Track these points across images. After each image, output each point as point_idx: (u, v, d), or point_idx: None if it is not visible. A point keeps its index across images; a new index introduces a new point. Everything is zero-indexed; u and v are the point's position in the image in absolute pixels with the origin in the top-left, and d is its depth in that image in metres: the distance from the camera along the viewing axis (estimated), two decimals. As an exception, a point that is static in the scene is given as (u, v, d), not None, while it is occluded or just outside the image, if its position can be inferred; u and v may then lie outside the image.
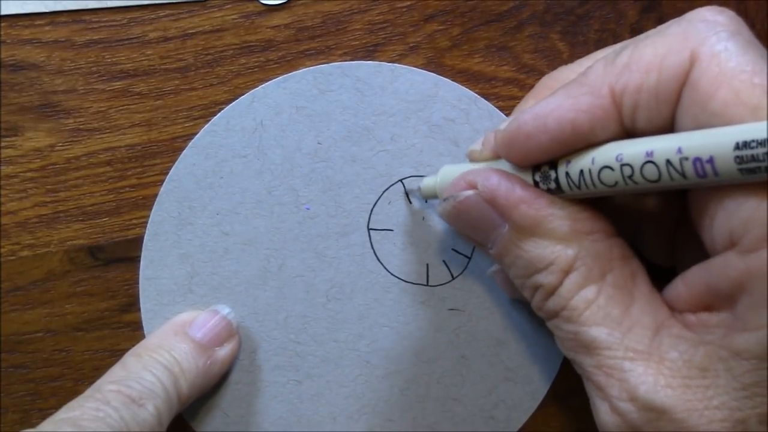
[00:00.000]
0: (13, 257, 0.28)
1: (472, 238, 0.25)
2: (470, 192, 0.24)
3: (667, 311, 0.22)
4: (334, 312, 0.28)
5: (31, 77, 0.28)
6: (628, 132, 0.21)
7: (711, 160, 0.19)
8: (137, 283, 0.28)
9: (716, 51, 0.20)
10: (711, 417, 0.20)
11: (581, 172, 0.22)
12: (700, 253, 0.22)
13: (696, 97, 0.20)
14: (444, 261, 0.29)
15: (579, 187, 0.22)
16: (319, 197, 0.28)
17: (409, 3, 0.29)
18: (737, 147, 0.18)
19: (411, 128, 0.28)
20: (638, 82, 0.21)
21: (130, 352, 0.26)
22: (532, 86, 0.29)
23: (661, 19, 0.29)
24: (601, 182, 0.21)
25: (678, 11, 0.29)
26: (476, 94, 0.29)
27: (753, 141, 0.18)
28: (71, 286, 0.28)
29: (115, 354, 0.28)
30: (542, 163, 0.23)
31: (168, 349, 0.26)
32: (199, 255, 0.28)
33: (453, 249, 0.29)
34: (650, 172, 0.20)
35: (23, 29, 0.28)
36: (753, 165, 0.18)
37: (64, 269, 0.28)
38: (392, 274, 0.28)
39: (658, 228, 0.25)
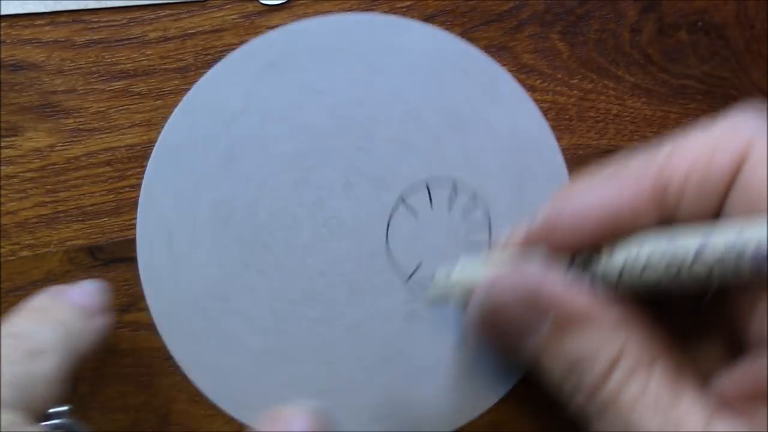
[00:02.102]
0: (12, 257, 0.28)
1: (503, 341, 0.24)
2: (512, 291, 0.23)
3: (715, 401, 0.21)
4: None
5: (31, 77, 0.28)
6: (670, 220, 0.21)
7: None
8: (137, 283, 0.28)
9: (766, 150, 0.20)
10: None
11: (624, 266, 0.21)
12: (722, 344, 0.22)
13: (746, 193, 0.20)
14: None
15: (619, 280, 0.21)
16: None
17: (408, 3, 0.29)
18: None
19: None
20: (685, 174, 0.21)
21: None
22: (532, 86, 0.29)
23: (660, 19, 0.29)
24: (644, 277, 0.21)
25: (678, 11, 0.29)
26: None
27: None
28: (71, 286, 0.28)
29: (115, 354, 0.28)
30: (578, 253, 0.22)
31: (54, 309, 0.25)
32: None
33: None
34: (700, 269, 0.20)
35: (23, 29, 0.28)
36: None
37: (63, 269, 0.28)
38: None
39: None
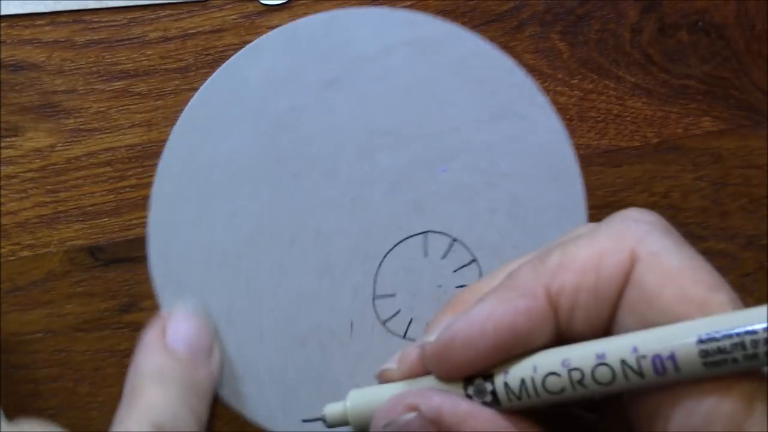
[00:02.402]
0: (13, 257, 0.28)
1: None
2: (412, 415, 0.22)
3: None
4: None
5: (31, 77, 0.28)
6: (563, 336, 0.21)
7: (672, 357, 0.19)
8: (138, 283, 0.28)
9: (655, 250, 0.20)
10: None
11: (522, 381, 0.21)
12: None
13: (640, 296, 0.19)
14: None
15: (519, 398, 0.21)
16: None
17: (409, 3, 0.29)
18: (701, 341, 0.18)
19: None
20: (575, 283, 0.20)
21: (136, 378, 0.25)
22: (532, 86, 0.29)
23: (661, 19, 0.29)
24: (546, 390, 0.20)
25: (678, 11, 0.29)
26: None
27: (717, 332, 0.18)
28: (71, 286, 0.28)
29: (115, 354, 0.28)
30: (473, 376, 0.22)
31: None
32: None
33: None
34: (603, 374, 0.19)
35: (23, 29, 0.28)
36: (719, 358, 0.18)
37: (64, 269, 0.28)
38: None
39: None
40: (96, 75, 0.28)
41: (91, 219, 0.28)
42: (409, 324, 0.28)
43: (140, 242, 0.28)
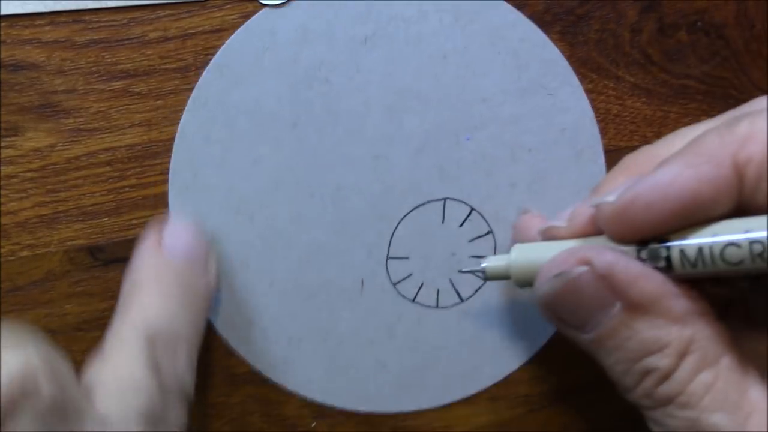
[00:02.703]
0: (12, 257, 0.28)
1: (569, 321, 0.23)
2: (584, 268, 0.22)
3: None
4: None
5: (31, 77, 0.28)
6: (744, 208, 0.21)
7: None
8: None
9: None
10: None
11: (700, 249, 0.20)
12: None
13: None
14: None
15: (695, 266, 0.21)
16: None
17: (409, 3, 0.29)
18: None
19: None
20: (764, 155, 0.20)
21: (130, 285, 0.25)
22: (532, 86, 0.29)
23: (660, 19, 0.29)
24: (724, 260, 0.20)
25: (678, 11, 0.29)
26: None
27: None
28: (71, 286, 0.28)
29: (115, 354, 0.28)
30: (647, 240, 0.21)
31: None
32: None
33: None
34: None
35: (23, 29, 0.28)
36: None
37: (64, 269, 0.28)
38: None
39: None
40: (96, 75, 0.28)
41: (91, 219, 0.28)
42: (419, 288, 0.28)
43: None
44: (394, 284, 0.28)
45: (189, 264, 0.25)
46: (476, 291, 0.28)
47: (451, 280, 0.28)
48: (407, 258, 0.28)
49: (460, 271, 0.28)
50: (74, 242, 0.28)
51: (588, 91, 0.29)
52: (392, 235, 0.28)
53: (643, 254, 0.21)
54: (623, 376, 0.22)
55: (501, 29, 0.28)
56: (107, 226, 0.28)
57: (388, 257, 0.28)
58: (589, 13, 0.29)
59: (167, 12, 0.28)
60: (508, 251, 0.25)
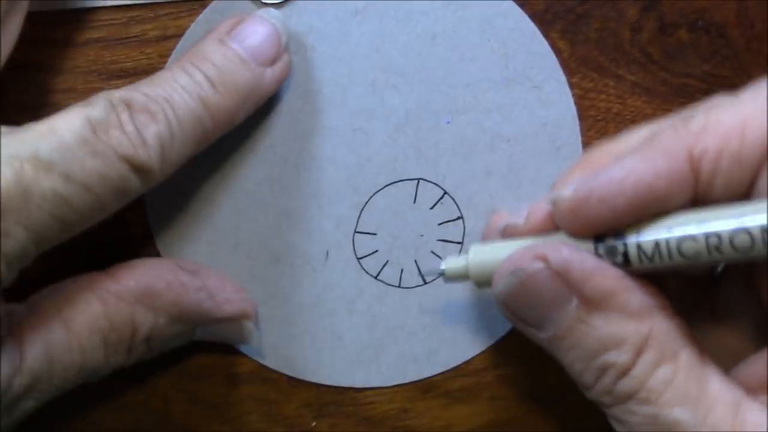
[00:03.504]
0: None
1: (525, 318, 0.23)
2: (540, 265, 0.22)
3: (742, 388, 0.21)
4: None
5: (31, 77, 0.28)
6: (700, 200, 0.21)
7: None
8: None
9: None
10: None
11: (657, 243, 0.20)
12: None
13: None
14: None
15: (652, 260, 0.21)
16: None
17: None
18: None
19: None
20: (719, 147, 0.20)
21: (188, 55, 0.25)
22: (532, 85, 0.29)
23: (661, 18, 0.29)
24: (681, 254, 0.20)
25: (678, 10, 0.29)
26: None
27: None
28: (70, 285, 0.28)
29: (115, 353, 0.28)
30: (604, 234, 0.22)
31: (203, 59, 0.25)
32: None
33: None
34: (742, 240, 0.19)
35: (23, 29, 0.27)
36: None
37: (63, 269, 0.28)
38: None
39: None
40: (95, 74, 0.28)
41: (91, 218, 0.28)
42: (383, 266, 0.28)
43: (140, 242, 0.28)
44: (359, 259, 0.28)
45: (243, 60, 0.25)
46: (440, 274, 0.28)
47: (416, 261, 0.28)
48: (375, 234, 0.28)
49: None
50: (74, 242, 0.28)
51: (588, 90, 0.29)
52: (362, 209, 0.28)
53: (600, 249, 0.22)
54: (582, 374, 0.22)
55: (492, 17, 0.28)
56: (107, 226, 0.28)
57: (355, 231, 0.28)
58: (589, 11, 0.29)
59: (166, 11, 0.28)
60: (476, 239, 0.25)
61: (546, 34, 0.29)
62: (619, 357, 0.21)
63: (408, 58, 0.28)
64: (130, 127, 0.22)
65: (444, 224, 0.29)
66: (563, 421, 0.29)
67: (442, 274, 0.25)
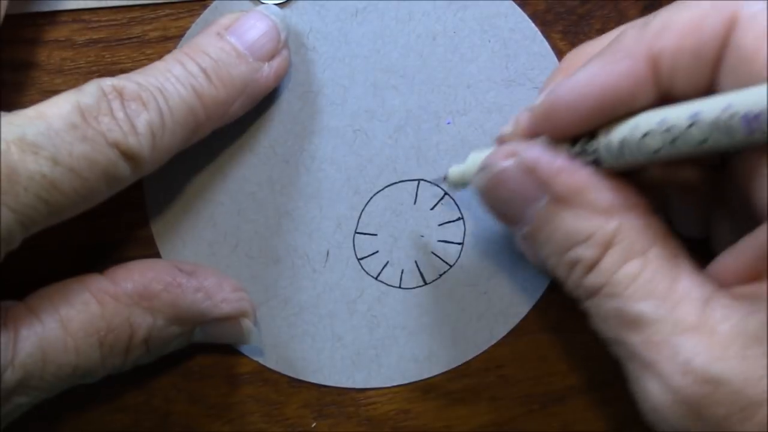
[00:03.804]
0: (13, 257, 0.28)
1: (503, 214, 0.24)
2: (510, 161, 0.23)
3: (714, 284, 0.22)
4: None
5: (31, 77, 0.28)
6: (666, 97, 0.21)
7: (760, 115, 0.18)
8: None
9: (756, 11, 0.20)
10: None
11: (623, 140, 0.21)
12: (736, 225, 0.22)
13: (739, 58, 0.20)
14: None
15: (620, 158, 0.22)
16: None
17: None
18: None
19: None
20: (677, 45, 0.21)
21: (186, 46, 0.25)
22: (532, 86, 0.29)
23: (662, 19, 0.29)
24: (644, 149, 0.21)
25: (679, 11, 0.29)
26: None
27: None
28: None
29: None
30: (580, 135, 0.22)
31: (198, 51, 0.25)
32: None
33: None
34: (696, 133, 0.20)
35: (23, 29, 0.27)
36: None
37: (64, 269, 0.28)
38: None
39: (693, 197, 0.25)
40: (96, 74, 0.28)
41: (91, 219, 0.28)
42: (384, 266, 0.28)
43: (140, 242, 0.28)
44: (359, 259, 0.28)
45: (239, 54, 0.25)
46: (440, 275, 0.28)
47: (416, 262, 0.29)
48: (375, 235, 0.28)
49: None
50: (74, 242, 0.28)
51: (589, 91, 0.29)
52: (363, 210, 0.28)
53: (576, 149, 0.22)
54: (556, 269, 0.23)
55: (493, 17, 0.28)
56: (107, 226, 0.28)
57: (356, 232, 0.28)
58: (590, 12, 0.29)
59: (167, 11, 0.28)
60: (477, 239, 0.26)
61: (547, 35, 0.29)
62: (586, 251, 0.22)
63: (408, 59, 0.28)
64: (120, 114, 0.22)
65: (444, 225, 0.29)
66: (563, 421, 0.29)
67: (445, 178, 0.27)
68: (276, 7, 0.27)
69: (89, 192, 0.22)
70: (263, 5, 0.27)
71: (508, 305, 0.29)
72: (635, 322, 0.21)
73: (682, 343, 0.20)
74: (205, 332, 0.26)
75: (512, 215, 0.24)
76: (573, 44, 0.29)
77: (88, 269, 0.26)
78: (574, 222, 0.22)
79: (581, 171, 0.22)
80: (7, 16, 0.27)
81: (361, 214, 0.28)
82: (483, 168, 0.24)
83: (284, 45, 0.26)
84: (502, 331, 0.29)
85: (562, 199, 0.22)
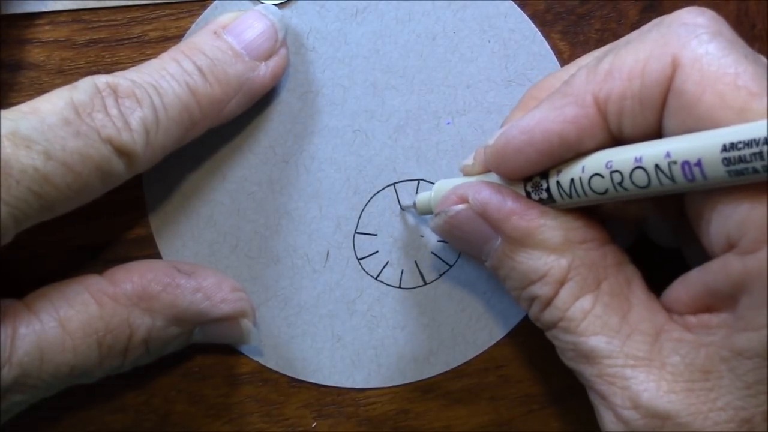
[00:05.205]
0: (13, 257, 0.28)
1: (466, 251, 0.25)
2: (461, 206, 0.24)
3: (666, 315, 0.22)
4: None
5: (31, 77, 0.28)
6: (616, 139, 0.22)
7: (699, 163, 0.19)
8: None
9: (698, 55, 0.20)
10: (716, 419, 0.20)
11: (572, 181, 0.22)
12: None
13: (681, 102, 0.20)
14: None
15: (570, 196, 0.22)
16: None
17: (409, 2, 0.29)
18: (724, 149, 0.18)
19: None
20: (621, 90, 0.21)
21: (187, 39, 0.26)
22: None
23: (661, 19, 0.29)
24: (592, 190, 0.21)
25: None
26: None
27: (740, 142, 0.18)
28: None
29: (115, 354, 0.28)
30: (534, 174, 0.23)
31: (194, 49, 0.25)
32: None
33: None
34: (640, 177, 0.20)
35: (23, 29, 0.27)
36: (741, 167, 0.18)
37: (64, 269, 0.28)
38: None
39: (666, 210, 0.25)
40: (96, 74, 0.28)
41: (91, 219, 0.28)
42: (384, 266, 0.28)
43: (140, 242, 0.28)
44: (359, 259, 0.28)
45: (236, 52, 0.25)
46: (440, 275, 0.28)
47: (416, 262, 0.29)
48: (375, 235, 0.28)
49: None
50: (74, 242, 0.28)
51: (589, 91, 0.29)
52: (363, 210, 0.28)
53: (529, 187, 0.23)
54: (518, 302, 0.24)
55: (492, 17, 0.28)
56: (107, 226, 0.28)
57: (356, 232, 0.28)
58: (590, 12, 0.29)
59: (167, 12, 0.28)
60: None
61: (546, 35, 0.29)
62: (541, 289, 0.23)
63: (408, 59, 0.28)
64: (114, 111, 0.22)
65: None
66: (563, 421, 0.29)
67: (413, 206, 0.27)
68: (275, 7, 0.27)
69: (82, 187, 0.22)
70: (262, 5, 0.27)
71: (508, 305, 0.29)
72: (589, 356, 0.22)
73: (632, 377, 0.21)
74: (204, 332, 0.26)
75: (474, 253, 0.25)
76: (572, 44, 0.29)
77: (88, 269, 0.26)
78: (528, 261, 0.23)
79: (532, 211, 0.23)
80: (7, 16, 0.27)
81: (361, 214, 0.28)
82: (437, 213, 0.25)
83: (282, 44, 0.27)
84: (501, 331, 0.29)
85: (514, 240, 0.23)
